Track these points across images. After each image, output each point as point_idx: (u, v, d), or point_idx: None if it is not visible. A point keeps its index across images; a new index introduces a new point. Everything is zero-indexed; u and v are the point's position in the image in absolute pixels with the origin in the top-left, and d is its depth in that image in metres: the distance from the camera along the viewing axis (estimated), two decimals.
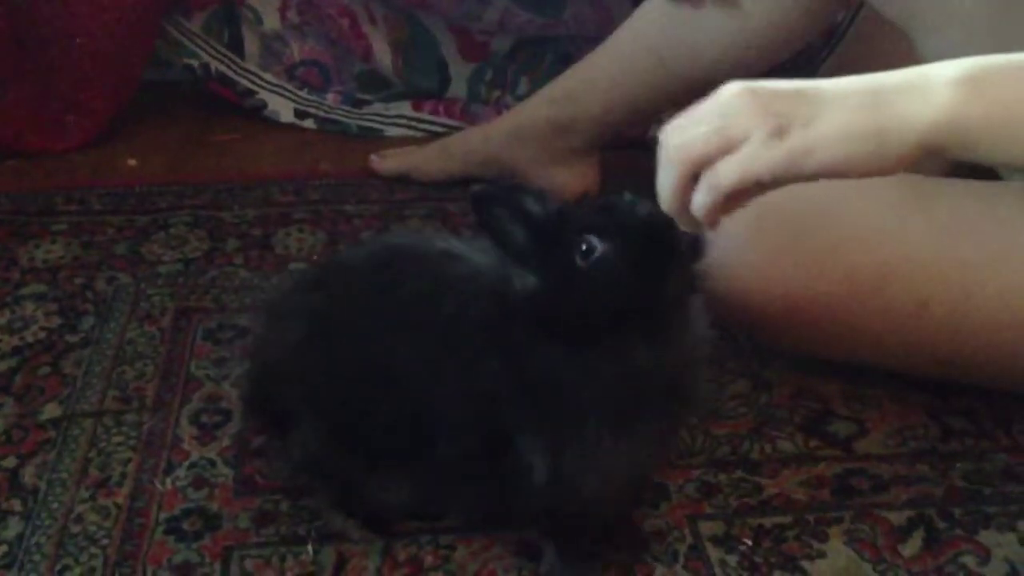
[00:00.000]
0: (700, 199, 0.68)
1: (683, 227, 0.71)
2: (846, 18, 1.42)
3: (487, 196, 0.75)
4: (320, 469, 0.83)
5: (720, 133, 0.67)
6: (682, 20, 1.21)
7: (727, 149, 0.67)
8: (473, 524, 0.87)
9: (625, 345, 0.74)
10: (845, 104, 0.68)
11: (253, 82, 1.53)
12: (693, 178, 0.68)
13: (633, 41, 1.26)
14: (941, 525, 0.88)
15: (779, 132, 0.66)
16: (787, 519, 0.89)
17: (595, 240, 0.73)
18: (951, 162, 1.27)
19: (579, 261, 0.73)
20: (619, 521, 0.87)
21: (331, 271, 0.91)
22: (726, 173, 0.67)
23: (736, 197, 0.68)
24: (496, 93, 1.56)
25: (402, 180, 1.39)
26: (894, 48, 1.19)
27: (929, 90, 0.67)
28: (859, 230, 0.93)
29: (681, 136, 0.69)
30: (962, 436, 0.98)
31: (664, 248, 0.73)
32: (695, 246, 0.74)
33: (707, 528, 0.88)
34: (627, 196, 0.76)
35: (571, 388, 0.74)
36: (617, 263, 0.72)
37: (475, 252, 0.81)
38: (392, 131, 1.52)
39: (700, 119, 0.69)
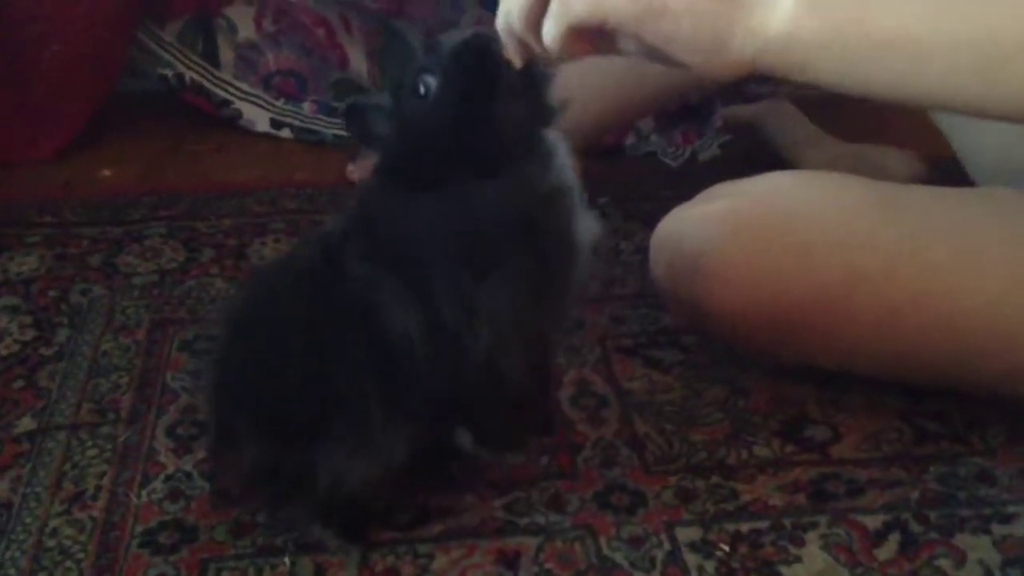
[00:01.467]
0: (549, 25, 0.68)
1: (512, 51, 0.71)
2: None
3: (353, 105, 0.78)
4: (268, 474, 0.82)
5: None
6: None
7: None
8: (453, 533, 0.87)
9: (466, 186, 0.74)
10: None
11: (228, 92, 1.53)
12: (543, 3, 0.69)
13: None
14: (916, 528, 0.89)
15: None
16: (764, 524, 0.89)
17: (428, 77, 0.74)
18: (918, 166, 1.29)
19: (417, 102, 0.74)
20: (532, 404, 0.88)
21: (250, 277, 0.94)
22: (578, 4, 0.68)
23: (581, 36, 0.69)
24: None
25: None
26: None
27: (776, 4, 0.69)
28: (830, 237, 0.94)
29: None
30: (936, 440, 0.99)
31: (485, 71, 0.73)
32: (534, 75, 0.74)
33: (684, 534, 0.88)
34: (454, 32, 0.77)
35: (417, 235, 0.75)
36: (442, 91, 0.73)
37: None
38: None
39: None
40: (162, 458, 0.94)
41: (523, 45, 0.72)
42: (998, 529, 0.89)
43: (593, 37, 0.71)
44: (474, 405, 0.82)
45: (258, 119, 1.53)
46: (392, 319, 0.76)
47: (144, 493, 0.91)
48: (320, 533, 0.85)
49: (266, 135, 1.52)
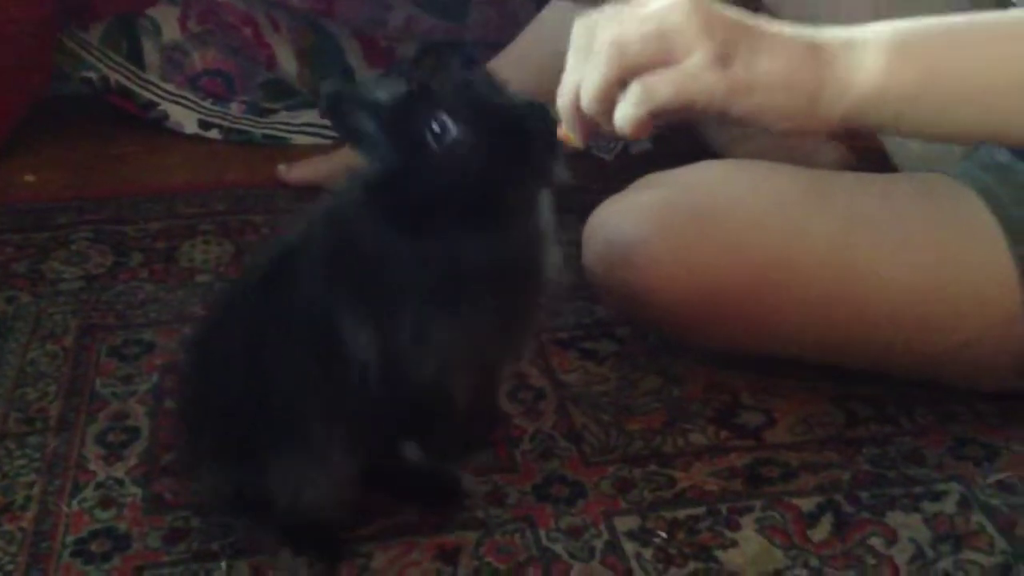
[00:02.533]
0: (629, 110, 0.64)
1: (574, 130, 0.68)
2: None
3: (337, 95, 0.72)
4: (230, 498, 0.82)
5: (662, 40, 0.63)
6: None
7: (665, 60, 0.64)
8: (392, 531, 0.86)
9: (458, 237, 0.72)
10: (788, 50, 0.65)
11: (154, 93, 1.50)
12: (620, 82, 0.64)
13: (536, 45, 1.26)
14: (849, 509, 0.90)
15: (723, 59, 0.63)
16: (700, 510, 0.90)
17: (449, 122, 0.69)
18: (846, 154, 1.31)
19: (431, 141, 0.69)
20: (479, 418, 0.87)
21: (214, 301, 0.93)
22: (663, 89, 0.63)
23: (661, 113, 0.65)
24: None
25: (311, 189, 1.38)
26: None
27: (861, 55, 0.66)
28: (760, 224, 0.95)
29: (616, 31, 0.64)
30: (867, 422, 1.00)
31: (524, 142, 0.69)
32: (550, 145, 0.71)
33: (623, 523, 0.89)
34: (486, 76, 0.73)
35: (395, 269, 0.73)
36: (471, 151, 0.69)
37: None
38: (299, 139, 1.51)
39: (637, 20, 0.65)
40: (92, 466, 0.93)
41: (589, 125, 0.68)
42: (928, 507, 0.90)
43: (669, 113, 0.66)
44: (420, 418, 0.82)
45: (186, 120, 1.50)
46: (348, 342, 0.75)
47: (75, 502, 0.89)
48: (293, 561, 0.83)
49: (195, 136, 1.50)
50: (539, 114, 0.70)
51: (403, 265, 0.73)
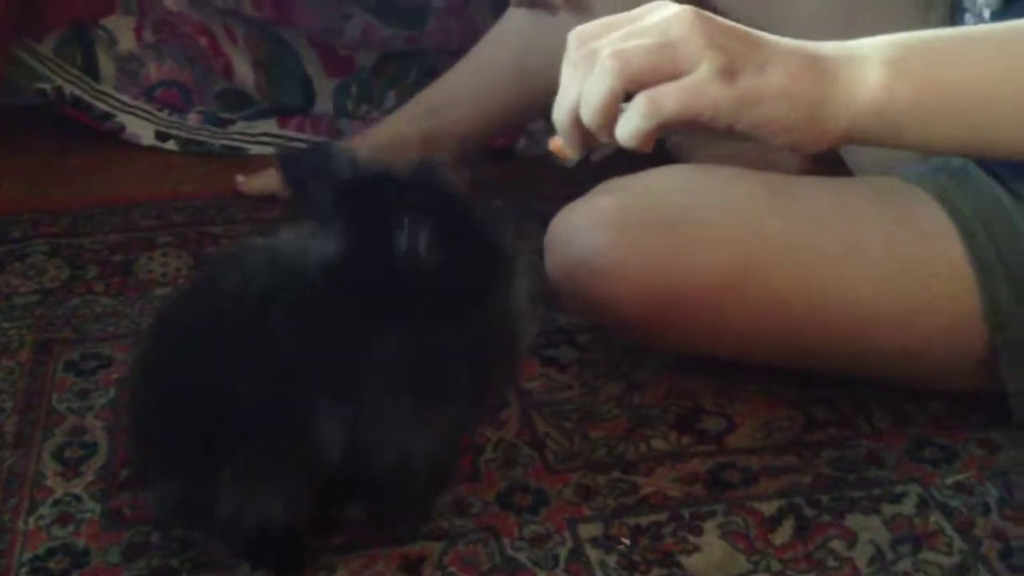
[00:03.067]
0: (635, 123, 0.63)
1: (571, 143, 0.67)
2: None
3: (294, 158, 0.72)
4: (182, 514, 0.81)
5: (667, 52, 0.63)
6: (541, 29, 1.23)
7: (671, 72, 0.63)
8: (355, 543, 0.86)
9: (430, 328, 0.71)
10: (792, 63, 0.65)
11: (110, 104, 1.49)
12: (624, 94, 0.63)
13: (495, 52, 1.27)
14: (809, 513, 0.91)
15: (729, 72, 0.63)
16: (663, 516, 0.90)
17: (417, 227, 0.69)
18: (807, 158, 1.32)
19: (399, 242, 0.69)
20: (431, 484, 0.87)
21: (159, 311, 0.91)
22: (670, 101, 0.62)
23: (666, 126, 0.64)
24: (364, 108, 1.55)
25: (270, 199, 1.37)
26: None
27: (861, 69, 0.65)
28: (718, 229, 0.95)
29: (620, 45, 0.63)
30: (826, 426, 1.01)
31: (497, 259, 0.70)
32: (512, 217, 0.72)
33: (586, 530, 0.89)
34: (450, 176, 0.72)
35: (367, 360, 0.72)
36: (441, 262, 0.69)
37: (287, 239, 0.78)
38: (257, 150, 1.50)
39: (639, 31, 0.64)
40: (49, 482, 0.91)
41: (586, 138, 0.67)
42: (887, 509, 0.91)
43: (674, 125, 0.65)
44: (371, 489, 0.82)
45: (142, 132, 1.49)
46: (318, 420, 0.74)
47: (31, 519, 0.87)
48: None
49: (151, 148, 1.49)
50: (508, 229, 0.71)
51: (380, 359, 0.72)
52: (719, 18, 0.66)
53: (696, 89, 0.63)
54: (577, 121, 0.66)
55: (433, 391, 0.74)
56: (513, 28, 1.26)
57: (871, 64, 0.66)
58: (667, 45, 0.63)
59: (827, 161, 1.25)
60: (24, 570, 0.83)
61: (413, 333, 0.72)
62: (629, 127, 0.63)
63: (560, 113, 0.67)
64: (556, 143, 0.70)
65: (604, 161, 1.48)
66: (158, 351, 0.82)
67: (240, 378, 0.74)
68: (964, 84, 0.68)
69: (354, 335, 0.72)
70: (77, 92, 1.48)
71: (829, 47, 0.68)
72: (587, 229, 0.96)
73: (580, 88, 0.65)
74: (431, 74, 1.47)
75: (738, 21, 1.10)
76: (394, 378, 0.73)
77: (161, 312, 0.92)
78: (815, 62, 0.66)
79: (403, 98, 1.47)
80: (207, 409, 0.76)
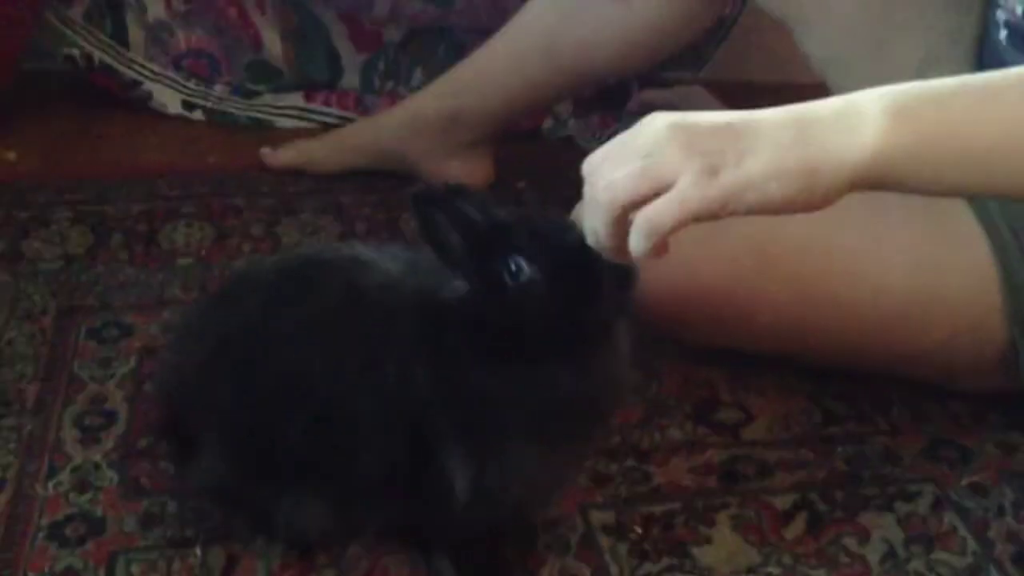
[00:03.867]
0: (641, 244, 0.66)
1: (617, 259, 0.70)
2: (733, 12, 1.45)
3: (427, 198, 0.73)
4: (228, 496, 0.82)
5: (648, 175, 0.66)
6: (569, 13, 1.22)
7: (657, 190, 0.66)
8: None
9: (551, 367, 0.74)
10: (775, 140, 0.66)
11: (138, 72, 1.49)
12: (623, 220, 0.67)
13: (522, 35, 1.26)
14: (823, 508, 0.91)
15: (711, 171, 0.65)
16: (676, 506, 0.91)
17: (523, 264, 0.72)
18: None
19: (508, 280, 0.72)
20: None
21: (235, 286, 0.90)
22: (662, 219, 0.65)
23: (671, 234, 0.67)
24: (390, 84, 1.54)
25: (294, 173, 1.37)
26: (777, 43, 1.22)
27: (858, 123, 0.66)
28: (739, 223, 0.94)
29: (607, 177, 0.67)
30: (843, 420, 1.01)
31: (590, 278, 0.72)
32: (626, 274, 0.73)
33: (598, 518, 0.89)
34: (560, 220, 0.76)
35: (496, 404, 0.74)
36: (543, 290, 0.72)
37: (386, 259, 0.80)
38: (283, 122, 1.50)
39: (625, 158, 0.67)
40: (69, 449, 0.92)
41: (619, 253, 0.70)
42: (901, 507, 0.91)
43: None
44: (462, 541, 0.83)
45: (169, 100, 1.49)
46: (449, 475, 0.75)
47: (50, 485, 0.89)
48: (265, 550, 0.83)
49: (177, 117, 1.49)
50: (588, 252, 0.72)
51: (502, 398, 0.74)
52: (696, 120, 0.67)
53: (682, 198, 0.65)
54: (601, 248, 0.70)
55: (554, 430, 0.76)
56: (540, 12, 1.25)
57: (871, 116, 0.66)
58: (648, 167, 0.66)
59: None
60: (42, 535, 0.84)
61: (538, 379, 0.74)
62: (639, 248, 0.67)
63: (589, 240, 0.71)
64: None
65: None
66: (239, 331, 0.80)
67: (349, 399, 0.75)
68: (967, 131, 0.68)
69: (481, 380, 0.74)
70: (106, 59, 1.48)
71: (824, 107, 0.68)
72: None
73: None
74: (459, 52, 1.47)
75: (775, 21, 1.11)
76: (516, 422, 0.75)
77: (235, 281, 0.93)
78: (800, 130, 0.67)
79: (430, 75, 1.47)
80: (307, 419, 0.76)
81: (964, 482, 0.94)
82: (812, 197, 0.67)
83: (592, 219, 0.69)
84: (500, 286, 0.73)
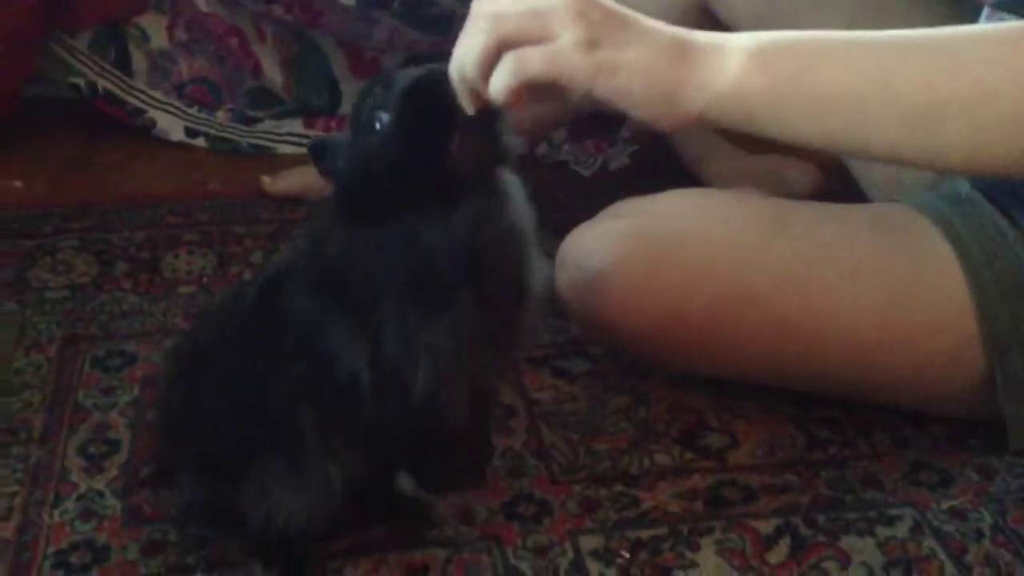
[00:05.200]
0: (501, 78, 0.69)
1: (460, 95, 0.72)
2: None
3: (320, 143, 0.79)
4: (205, 514, 0.85)
5: (534, 18, 0.69)
6: None
7: (537, 37, 0.69)
8: (361, 547, 0.89)
9: (416, 221, 0.75)
10: (656, 43, 0.71)
11: (142, 100, 1.52)
12: (496, 51, 0.69)
13: None
14: (805, 532, 0.94)
15: (592, 43, 0.69)
16: (662, 531, 0.93)
17: (383, 114, 0.75)
18: (819, 174, 1.34)
19: (373, 135, 0.75)
20: (471, 446, 0.90)
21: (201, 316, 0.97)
22: (533, 62, 0.68)
23: (530, 88, 0.70)
24: None
25: (294, 199, 1.40)
26: None
27: (724, 58, 0.71)
28: (722, 255, 0.98)
29: (497, 8, 0.70)
30: (826, 445, 1.04)
31: (437, 107, 0.73)
32: (488, 113, 0.74)
33: (587, 543, 0.91)
34: (419, 70, 0.77)
35: (366, 269, 0.76)
36: (397, 128, 0.74)
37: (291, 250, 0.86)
38: (283, 149, 1.53)
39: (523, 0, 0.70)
40: (74, 477, 0.95)
41: (475, 93, 0.72)
42: (882, 531, 0.94)
43: (539, 88, 0.71)
44: (415, 445, 0.85)
45: (172, 128, 1.52)
46: (339, 356, 0.77)
47: (56, 513, 0.91)
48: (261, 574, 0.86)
49: (179, 144, 1.52)
50: (430, 78, 0.74)
51: (372, 261, 0.76)
52: None
53: (557, 53, 0.69)
54: (463, 78, 0.72)
55: (430, 285, 0.76)
56: None
57: (734, 54, 0.71)
58: (538, 13, 0.69)
59: (840, 177, 1.27)
60: (48, 563, 0.87)
61: (399, 228, 0.75)
62: (498, 82, 0.69)
63: (452, 70, 0.72)
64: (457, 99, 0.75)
65: (622, 169, 1.51)
66: (196, 354, 0.87)
67: (261, 364, 0.79)
68: (823, 81, 0.72)
69: (354, 249, 0.77)
70: (110, 87, 1.51)
71: (699, 35, 0.73)
72: (596, 251, 0.99)
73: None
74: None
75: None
76: (399, 286, 0.76)
77: (196, 319, 0.97)
78: (679, 45, 0.71)
79: None
80: (244, 407, 0.80)
81: (944, 506, 0.97)
82: (668, 110, 0.71)
83: (465, 45, 0.70)
84: (368, 146, 0.75)
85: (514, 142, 0.79)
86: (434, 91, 0.73)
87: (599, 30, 0.69)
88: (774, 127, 0.74)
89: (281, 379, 0.79)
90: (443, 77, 0.73)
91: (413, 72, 0.76)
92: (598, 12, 0.70)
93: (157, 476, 0.94)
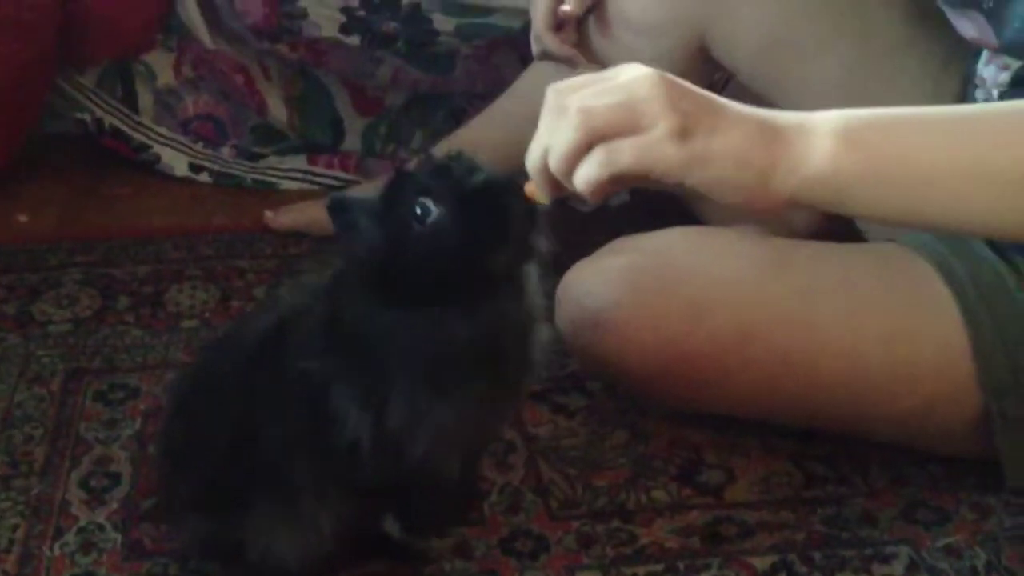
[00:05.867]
0: (591, 172, 0.67)
1: (541, 188, 0.71)
2: (719, 82, 1.50)
3: (339, 200, 0.79)
4: (207, 548, 0.86)
5: (630, 109, 0.67)
6: None
7: (630, 129, 0.67)
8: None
9: (446, 312, 0.76)
10: (745, 127, 0.70)
11: (147, 136, 1.54)
12: (587, 147, 0.68)
13: (516, 106, 1.31)
14: (801, 570, 0.94)
15: (683, 133, 0.68)
16: (659, 567, 0.93)
17: (430, 204, 0.74)
18: (820, 217, 1.35)
19: (415, 225, 0.74)
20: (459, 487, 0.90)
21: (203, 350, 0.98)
22: (625, 156, 0.67)
23: (620, 180, 0.69)
24: (391, 147, 1.59)
25: (297, 235, 1.41)
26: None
27: (812, 139, 0.70)
28: (722, 292, 0.99)
29: (586, 101, 0.68)
30: (823, 482, 1.04)
31: (499, 215, 0.74)
32: (529, 216, 0.75)
33: None
34: (462, 158, 0.77)
35: (386, 346, 0.77)
36: (451, 227, 0.74)
37: (298, 294, 0.86)
38: (287, 184, 1.55)
39: (607, 90, 0.69)
40: (75, 510, 0.96)
41: (555, 184, 0.72)
42: (877, 569, 0.94)
43: (625, 180, 0.70)
44: (405, 496, 0.86)
45: (176, 163, 1.54)
46: (342, 420, 0.78)
47: (57, 546, 0.92)
48: None
49: (184, 179, 1.54)
50: (513, 189, 0.75)
51: (394, 341, 0.77)
52: (683, 82, 0.70)
53: (650, 146, 0.68)
54: (546, 168, 0.71)
55: (447, 374, 0.77)
56: (533, 83, 1.29)
57: (823, 135, 0.70)
58: (629, 104, 0.68)
59: (839, 219, 1.28)
60: None
61: (427, 316, 0.76)
62: (587, 175, 0.68)
63: (531, 160, 0.72)
64: (530, 187, 0.75)
65: (622, 206, 1.52)
66: (197, 391, 0.87)
67: (262, 407, 0.81)
68: (919, 161, 0.72)
69: (376, 325, 0.77)
70: (116, 123, 1.53)
71: (784, 116, 0.72)
72: (597, 288, 1.00)
73: (550, 138, 0.70)
74: (458, 116, 1.52)
75: (756, 94, 1.15)
76: (414, 367, 0.77)
77: (201, 352, 0.98)
78: (768, 129, 0.71)
79: (430, 138, 1.52)
80: (243, 446, 0.81)
81: (939, 544, 0.97)
82: (760, 193, 0.70)
83: (558, 137, 0.69)
84: (407, 232, 0.75)
85: (544, 243, 0.79)
86: (502, 200, 0.74)
87: (690, 119, 0.68)
88: (865, 207, 0.73)
89: (279, 429, 0.81)
90: (511, 186, 0.74)
91: (477, 173, 0.75)
92: (688, 101, 0.69)
93: (158, 510, 0.95)
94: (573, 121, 0.68)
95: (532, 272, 0.81)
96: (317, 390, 0.79)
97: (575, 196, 0.72)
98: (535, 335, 0.83)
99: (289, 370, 0.80)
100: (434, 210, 0.74)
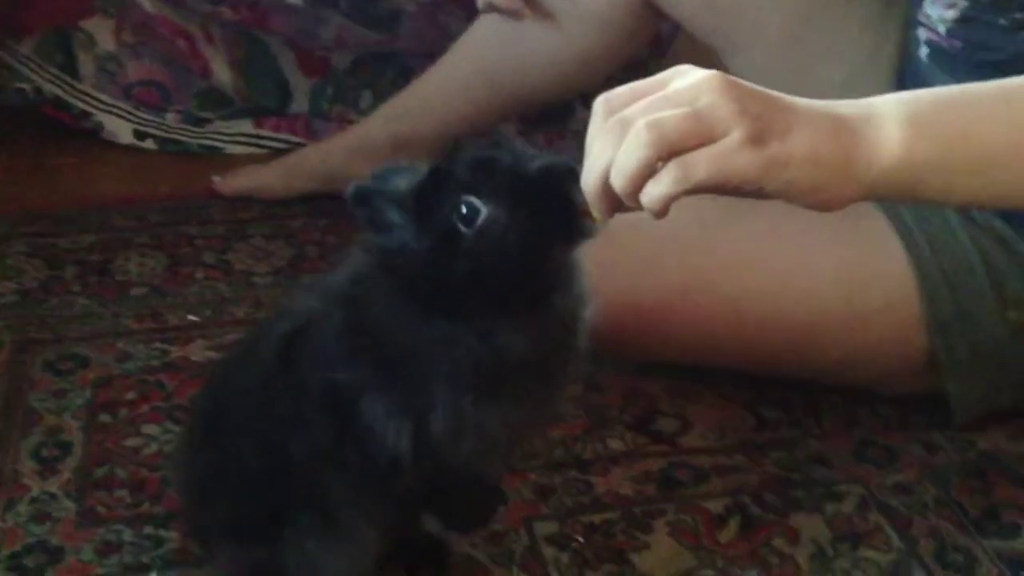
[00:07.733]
0: (663, 189, 0.62)
1: (600, 208, 0.65)
2: (671, 29, 1.50)
3: (363, 191, 0.69)
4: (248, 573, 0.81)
5: (703, 120, 0.62)
6: (508, 38, 1.26)
7: (704, 140, 0.63)
8: None
9: (496, 324, 0.69)
10: (816, 124, 0.66)
11: (89, 103, 1.52)
12: (658, 159, 0.62)
13: (464, 59, 1.30)
14: (755, 511, 0.95)
15: (758, 138, 0.63)
16: (615, 515, 0.94)
17: (477, 203, 0.66)
18: None
19: (460, 226, 0.66)
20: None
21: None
22: (700, 168, 0.62)
23: (692, 193, 0.63)
24: (339, 108, 1.58)
25: (245, 199, 1.40)
26: (706, 65, 1.26)
27: (881, 129, 0.67)
28: (673, 243, 0.99)
29: (654, 116, 0.63)
30: (776, 426, 1.05)
31: (564, 208, 0.66)
32: (575, 216, 0.67)
33: (542, 528, 0.93)
34: (506, 142, 0.69)
35: (427, 359, 0.70)
36: (508, 228, 0.66)
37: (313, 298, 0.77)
38: (234, 149, 1.53)
39: (669, 99, 0.64)
40: (26, 480, 0.95)
41: (614, 202, 0.65)
42: (829, 508, 0.96)
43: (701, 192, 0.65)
44: (443, 497, 0.80)
45: (121, 131, 1.52)
46: (379, 431, 0.72)
47: (9, 516, 0.91)
48: None
49: (129, 147, 1.51)
50: (576, 174, 0.67)
51: (437, 352, 0.70)
52: (745, 83, 0.66)
53: (726, 155, 0.63)
54: (607, 188, 0.65)
55: (497, 385, 0.71)
56: (480, 37, 1.29)
57: (891, 124, 0.68)
58: (699, 115, 0.63)
59: None
60: (2, 567, 0.86)
61: (477, 327, 0.70)
62: (658, 192, 0.63)
63: (590, 180, 0.65)
64: (584, 206, 0.68)
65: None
66: (213, 414, 0.81)
67: (286, 423, 0.74)
68: (983, 140, 0.70)
69: (417, 336, 0.70)
70: (57, 91, 1.50)
71: (846, 107, 0.69)
72: None
73: (611, 156, 0.64)
74: (406, 76, 1.50)
75: (705, 45, 1.15)
76: (461, 378, 0.70)
77: (212, 369, 0.94)
78: (838, 124, 0.67)
79: (379, 98, 1.51)
80: (276, 469, 0.75)
81: (889, 482, 0.99)
82: (837, 190, 0.66)
83: (626, 156, 0.62)
84: (452, 234, 0.66)
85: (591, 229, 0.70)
86: (566, 189, 0.66)
87: (762, 123, 0.63)
88: (940, 192, 0.71)
89: (307, 445, 0.74)
90: (573, 173, 0.66)
91: (531, 160, 0.65)
92: (757, 104, 0.64)
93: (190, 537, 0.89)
94: (643, 138, 0.62)
95: (578, 274, 0.74)
96: (345, 401, 0.72)
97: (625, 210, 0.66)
98: (583, 322, 0.76)
99: (311, 382, 0.73)
100: (483, 210, 0.66)
